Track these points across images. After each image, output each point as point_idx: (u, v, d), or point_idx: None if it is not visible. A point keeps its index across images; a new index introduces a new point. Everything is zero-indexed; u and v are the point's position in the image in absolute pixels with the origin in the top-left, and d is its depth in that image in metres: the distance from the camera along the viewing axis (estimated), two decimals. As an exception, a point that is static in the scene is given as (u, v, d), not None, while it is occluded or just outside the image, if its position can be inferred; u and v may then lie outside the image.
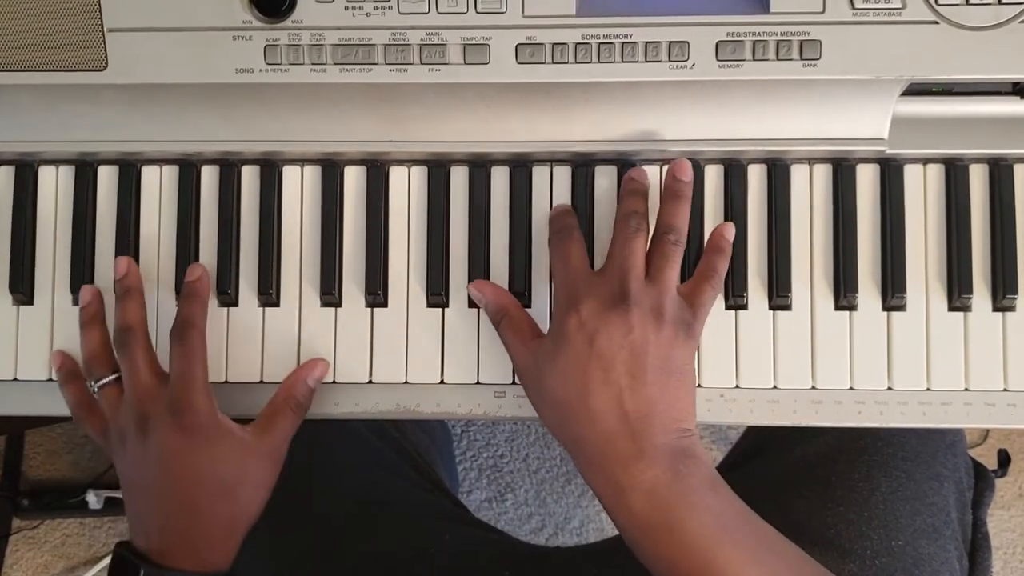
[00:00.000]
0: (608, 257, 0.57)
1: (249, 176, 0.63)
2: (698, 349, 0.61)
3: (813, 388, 0.61)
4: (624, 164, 0.62)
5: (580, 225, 0.60)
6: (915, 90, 0.59)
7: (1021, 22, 0.57)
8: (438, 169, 0.63)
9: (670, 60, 0.57)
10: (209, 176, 0.63)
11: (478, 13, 0.57)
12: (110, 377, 0.60)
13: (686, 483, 0.52)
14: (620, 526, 0.54)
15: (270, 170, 0.63)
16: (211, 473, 0.57)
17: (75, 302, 0.63)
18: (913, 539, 0.65)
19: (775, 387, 0.61)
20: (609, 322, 0.53)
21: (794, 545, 0.54)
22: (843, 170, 0.62)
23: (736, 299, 0.61)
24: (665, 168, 0.62)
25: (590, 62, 0.58)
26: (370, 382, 0.62)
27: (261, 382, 0.62)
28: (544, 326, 0.60)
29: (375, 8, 0.57)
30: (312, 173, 0.63)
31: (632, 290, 0.54)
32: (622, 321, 0.53)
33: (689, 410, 0.55)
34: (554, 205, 0.62)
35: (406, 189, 0.63)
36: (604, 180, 0.62)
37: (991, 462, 1.08)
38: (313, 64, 0.58)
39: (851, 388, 0.61)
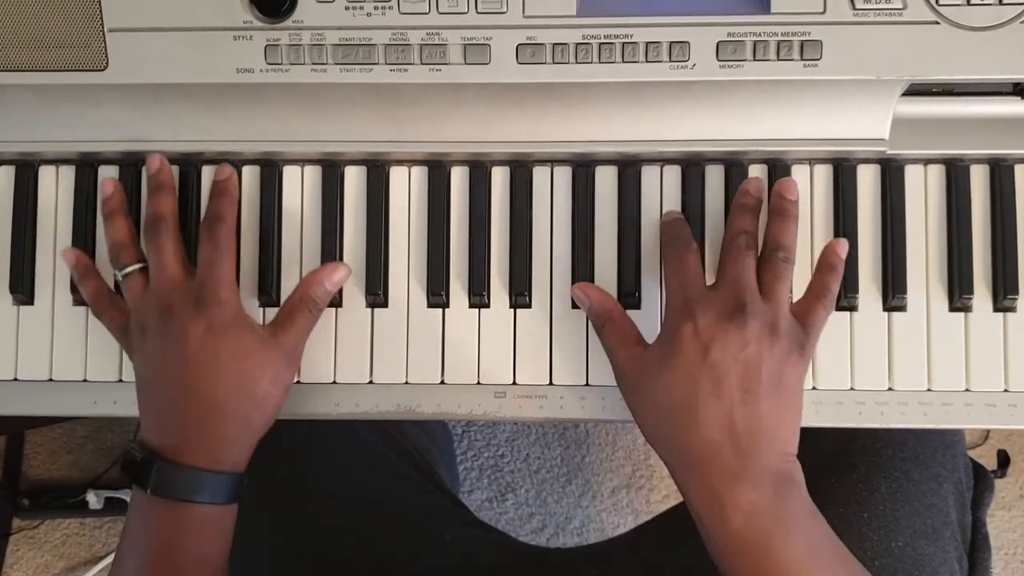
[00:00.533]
0: (721, 274, 0.57)
1: (249, 176, 0.63)
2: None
3: (814, 389, 0.61)
4: (624, 164, 0.62)
5: (582, 226, 0.60)
6: (916, 90, 0.59)
7: (1022, 22, 0.56)
8: (438, 169, 0.62)
9: (671, 60, 0.57)
10: (209, 176, 0.63)
11: (479, 13, 0.57)
12: (136, 266, 0.60)
13: (787, 508, 0.52)
14: (711, 537, 0.53)
15: (270, 170, 0.63)
16: (233, 366, 0.57)
17: (75, 303, 0.63)
18: (912, 540, 0.65)
19: (776, 387, 0.61)
20: (726, 333, 0.53)
21: None
22: (844, 170, 0.62)
23: (737, 299, 0.61)
24: (666, 170, 0.62)
25: (591, 62, 0.58)
26: (370, 382, 0.62)
27: (261, 382, 0.62)
28: (546, 327, 0.60)
29: (376, 8, 0.57)
30: (312, 173, 0.63)
31: (749, 304, 0.54)
32: (738, 333, 0.53)
33: (795, 433, 0.55)
34: (664, 211, 0.62)
35: (406, 189, 0.63)
36: (605, 180, 0.62)
37: (991, 463, 1.09)
38: (314, 64, 0.58)
39: (852, 388, 0.61)
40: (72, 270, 0.62)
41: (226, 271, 0.58)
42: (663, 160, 0.62)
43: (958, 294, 0.61)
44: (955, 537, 0.68)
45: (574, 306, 0.61)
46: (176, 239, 0.60)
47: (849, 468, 0.68)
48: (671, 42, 0.57)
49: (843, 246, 0.59)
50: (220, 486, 0.57)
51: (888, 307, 0.61)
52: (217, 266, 0.58)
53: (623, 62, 0.57)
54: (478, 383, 0.62)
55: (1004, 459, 1.14)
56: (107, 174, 0.63)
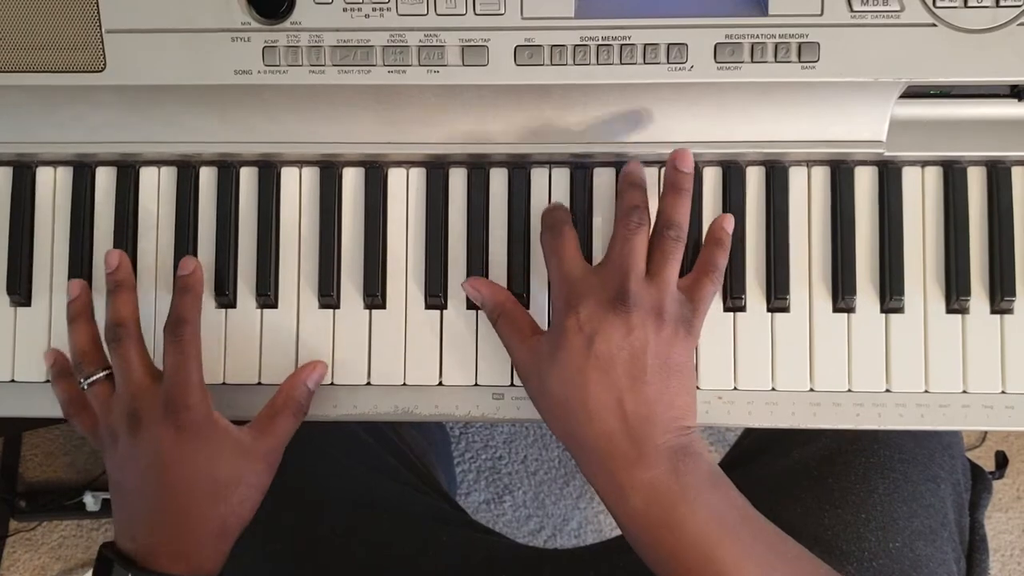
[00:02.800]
0: (607, 254, 0.57)
1: (247, 177, 0.63)
2: (696, 351, 0.61)
3: (811, 390, 0.61)
4: (622, 166, 0.62)
5: (578, 226, 0.60)
6: (913, 92, 0.59)
7: (1019, 24, 0.57)
8: (436, 170, 0.62)
9: (668, 62, 0.57)
10: (207, 177, 0.63)
11: (476, 15, 0.57)
12: (101, 374, 0.59)
13: (685, 481, 0.52)
14: (621, 524, 0.54)
15: (268, 171, 0.63)
16: (205, 473, 0.56)
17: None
18: (910, 540, 0.65)
19: (773, 389, 0.61)
20: (608, 323, 0.53)
21: (795, 541, 0.54)
22: (841, 172, 0.62)
23: (735, 301, 0.61)
24: (664, 170, 0.62)
25: (588, 64, 0.58)
26: (368, 384, 0.62)
27: (259, 383, 0.62)
28: (544, 326, 0.60)
29: (374, 10, 0.57)
30: (310, 174, 0.63)
31: (632, 291, 0.54)
32: (621, 322, 0.53)
33: (689, 407, 0.55)
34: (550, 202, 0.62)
35: (404, 190, 0.63)
36: (603, 181, 0.62)
37: (989, 464, 1.09)
38: (312, 66, 0.58)
39: (849, 390, 0.61)
40: (49, 370, 0.62)
41: (193, 375, 0.57)
42: (661, 162, 0.62)
43: (955, 296, 0.61)
44: (953, 538, 0.68)
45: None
46: (139, 343, 0.59)
47: (847, 469, 0.68)
48: (669, 44, 0.57)
49: (729, 221, 0.59)
50: None
51: (885, 309, 0.61)
52: (183, 370, 0.57)
53: (621, 64, 0.57)
54: (476, 384, 0.62)
55: (1002, 460, 1.15)
56: (104, 176, 0.63)
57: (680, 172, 0.58)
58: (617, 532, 0.55)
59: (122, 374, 0.58)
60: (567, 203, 0.62)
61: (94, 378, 0.59)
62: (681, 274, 0.57)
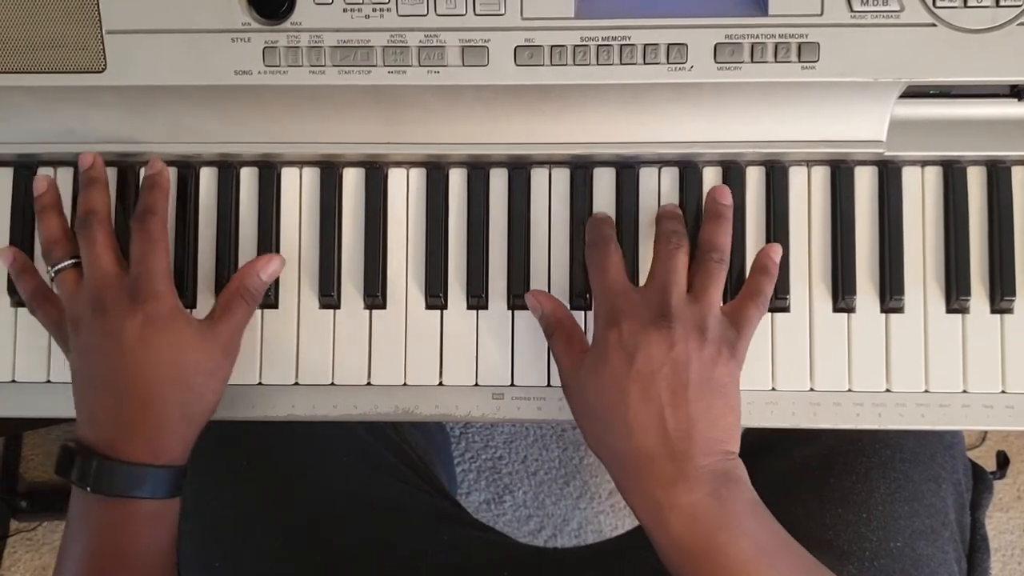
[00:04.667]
0: (650, 274, 0.57)
1: (248, 178, 0.63)
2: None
3: (811, 390, 0.61)
4: (622, 166, 0.62)
5: (578, 226, 0.60)
6: (913, 92, 0.59)
7: (1019, 24, 0.57)
8: (437, 171, 0.63)
9: (668, 62, 0.57)
10: (208, 178, 0.63)
11: (477, 15, 0.57)
12: (69, 261, 0.59)
13: (727, 508, 0.52)
14: (657, 544, 0.53)
15: (269, 172, 0.63)
16: (168, 359, 0.56)
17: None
18: (911, 540, 0.65)
19: (773, 389, 0.61)
20: (650, 339, 0.53)
21: (827, 569, 0.53)
22: (841, 172, 0.62)
23: (734, 301, 0.61)
24: (663, 172, 0.62)
25: (588, 64, 0.58)
26: (368, 384, 0.62)
27: (260, 384, 0.62)
28: (538, 330, 0.60)
29: (374, 10, 0.57)
30: (311, 175, 0.63)
31: (674, 306, 0.54)
32: (663, 338, 0.53)
33: (733, 431, 0.54)
34: (593, 212, 0.62)
35: (405, 191, 0.63)
36: (603, 181, 0.62)
37: (990, 464, 1.08)
38: (312, 66, 0.58)
39: (849, 390, 0.61)
40: (9, 268, 0.62)
41: (160, 264, 0.57)
42: (661, 162, 0.62)
43: (955, 296, 0.61)
44: (954, 538, 0.68)
45: (572, 307, 0.61)
46: (109, 233, 0.59)
47: (848, 469, 0.68)
48: (669, 44, 0.57)
49: (777, 251, 0.60)
50: (161, 480, 0.56)
51: (886, 309, 0.61)
52: (150, 258, 0.57)
53: (621, 64, 0.57)
54: (476, 384, 0.62)
55: (1003, 460, 1.14)
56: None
57: (720, 203, 0.59)
58: (617, 532, 0.55)
59: (90, 261, 0.58)
60: (567, 204, 0.62)
61: (61, 264, 0.59)
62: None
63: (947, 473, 0.69)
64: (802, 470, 0.70)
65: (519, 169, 0.62)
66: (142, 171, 0.63)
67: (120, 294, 0.57)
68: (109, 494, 0.55)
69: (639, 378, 0.53)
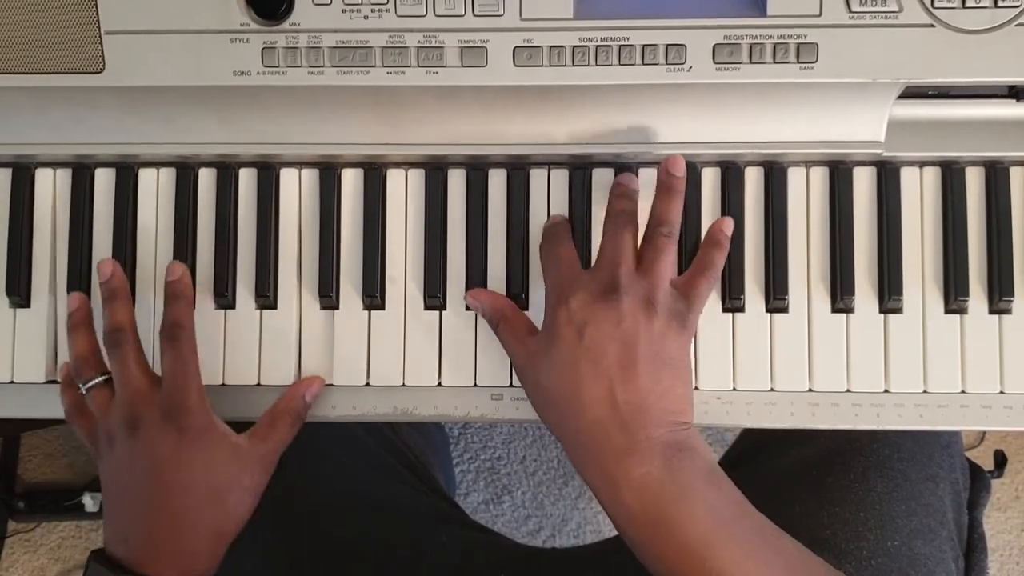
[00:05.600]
0: (599, 254, 0.57)
1: (246, 179, 0.63)
2: (695, 352, 0.61)
3: (810, 390, 0.61)
4: (621, 166, 0.62)
5: (577, 226, 0.60)
6: (911, 93, 0.59)
7: (1017, 25, 0.57)
8: (435, 171, 0.63)
9: (667, 63, 0.57)
10: (206, 179, 0.63)
11: (475, 16, 0.57)
12: (99, 379, 0.60)
13: (680, 478, 0.52)
14: (615, 521, 0.53)
15: (267, 173, 0.63)
16: (202, 477, 0.56)
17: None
18: (909, 539, 0.65)
19: (772, 389, 0.61)
20: (598, 313, 0.53)
21: (792, 539, 0.53)
22: (840, 173, 0.62)
23: (733, 302, 0.61)
24: (657, 173, 0.62)
25: (587, 65, 0.58)
26: (367, 384, 0.62)
27: (258, 385, 0.62)
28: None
29: (372, 11, 0.57)
30: (309, 176, 0.63)
31: (622, 281, 0.54)
32: (612, 311, 0.53)
33: (684, 402, 0.54)
34: (551, 213, 0.62)
35: (403, 191, 0.63)
36: (602, 181, 0.62)
37: (988, 464, 1.09)
38: (310, 67, 0.58)
39: (848, 390, 0.61)
40: (61, 378, 0.62)
41: (193, 378, 0.57)
42: (659, 163, 0.62)
43: (954, 296, 0.61)
44: (951, 537, 0.68)
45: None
46: (138, 350, 0.59)
47: (845, 468, 0.68)
48: (667, 45, 0.57)
49: (728, 224, 0.59)
50: None
51: (884, 309, 0.61)
52: (182, 373, 0.57)
53: (620, 65, 0.57)
54: (475, 385, 0.62)
55: (1001, 460, 1.15)
56: (103, 177, 0.63)
57: (672, 176, 0.58)
58: (616, 532, 0.55)
59: (120, 378, 0.58)
60: (566, 204, 0.62)
61: (92, 383, 0.60)
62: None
63: (945, 472, 0.69)
64: (800, 470, 0.70)
65: (518, 170, 0.62)
66: (142, 171, 0.62)
67: (153, 411, 0.57)
68: None
69: (589, 354, 0.53)
